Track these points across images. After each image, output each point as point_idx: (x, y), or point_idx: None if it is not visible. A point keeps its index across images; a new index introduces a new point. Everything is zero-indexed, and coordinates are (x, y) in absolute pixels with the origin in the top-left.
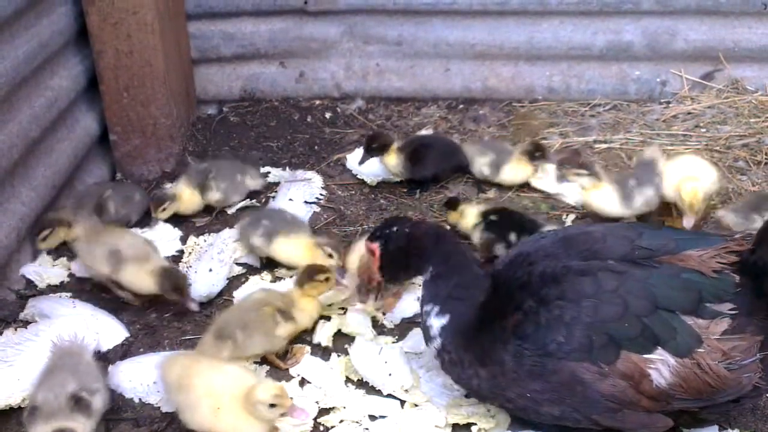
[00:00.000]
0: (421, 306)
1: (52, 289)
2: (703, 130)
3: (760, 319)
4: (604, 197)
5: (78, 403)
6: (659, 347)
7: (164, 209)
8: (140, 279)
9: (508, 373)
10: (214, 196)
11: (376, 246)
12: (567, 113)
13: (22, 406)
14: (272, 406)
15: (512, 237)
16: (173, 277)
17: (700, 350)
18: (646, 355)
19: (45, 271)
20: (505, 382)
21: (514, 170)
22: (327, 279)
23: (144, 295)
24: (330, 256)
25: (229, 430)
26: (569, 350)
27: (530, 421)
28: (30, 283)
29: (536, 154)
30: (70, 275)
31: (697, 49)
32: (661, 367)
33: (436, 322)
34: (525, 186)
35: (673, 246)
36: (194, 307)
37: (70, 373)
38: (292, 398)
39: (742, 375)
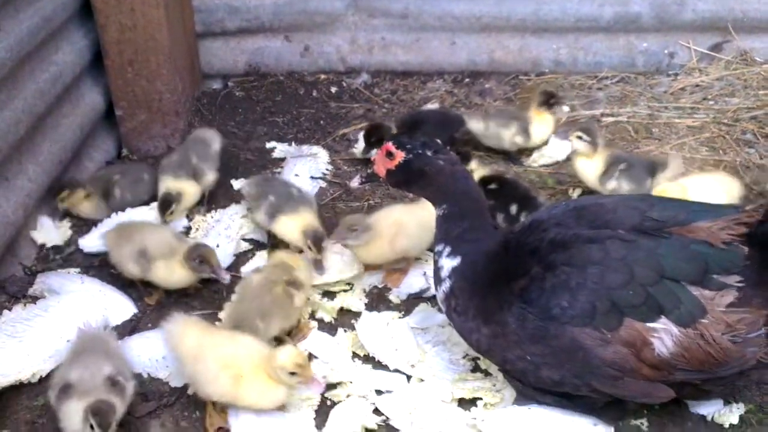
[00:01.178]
0: (434, 244)
1: (56, 250)
2: (711, 102)
3: (767, 292)
4: (587, 167)
5: (114, 386)
6: (663, 316)
7: (172, 212)
8: (171, 273)
9: (509, 335)
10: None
11: (400, 154)
12: (574, 86)
13: (32, 381)
14: (292, 374)
15: (513, 209)
16: (200, 252)
17: (704, 321)
18: (649, 324)
19: (49, 233)
20: (506, 344)
21: (542, 126)
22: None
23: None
24: (309, 248)
25: (251, 398)
26: (572, 315)
27: (526, 383)
28: (39, 258)
29: (551, 101)
30: (77, 249)
31: (705, 20)
32: (663, 336)
33: (448, 263)
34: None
35: (684, 217)
36: (225, 277)
37: (103, 356)
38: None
39: (746, 348)
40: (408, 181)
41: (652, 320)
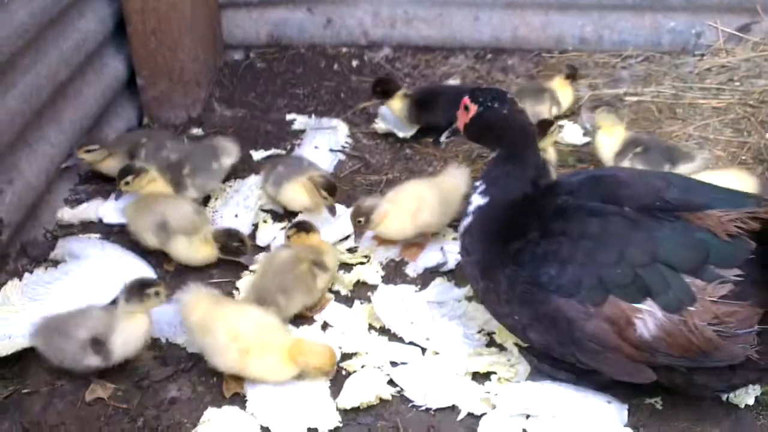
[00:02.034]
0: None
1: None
2: (737, 83)
3: (766, 291)
4: (605, 143)
5: None
6: (649, 299)
7: (128, 182)
8: (194, 250)
9: (501, 294)
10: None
11: (474, 107)
12: (598, 64)
13: None
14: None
15: None
16: (239, 237)
17: (691, 309)
18: (633, 304)
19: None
20: (497, 300)
21: (566, 96)
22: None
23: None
24: (324, 196)
25: (257, 371)
26: (559, 285)
27: (528, 343)
28: (60, 223)
29: (574, 75)
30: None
31: (734, 0)
32: (647, 318)
33: (477, 200)
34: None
35: (701, 202)
36: (253, 262)
37: None
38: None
39: (734, 344)
40: (481, 134)
41: (638, 301)
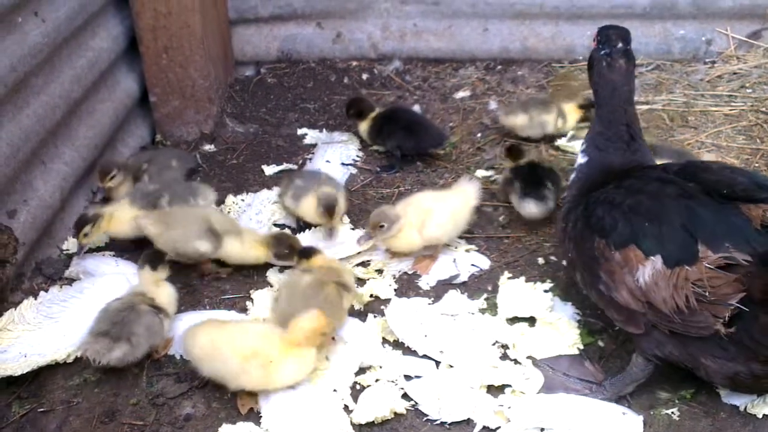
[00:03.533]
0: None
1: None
2: (749, 90)
3: (764, 282)
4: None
5: None
6: (659, 255)
7: (86, 234)
8: (244, 250)
9: (567, 232)
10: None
11: (594, 42)
12: None
13: (68, 361)
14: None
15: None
16: (290, 242)
17: (686, 268)
18: (646, 255)
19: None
20: (563, 238)
21: (573, 114)
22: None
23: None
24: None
25: (287, 377)
26: (601, 226)
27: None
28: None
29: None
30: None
31: (744, 6)
32: (648, 266)
33: (580, 158)
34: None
35: (763, 197)
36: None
37: None
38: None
39: (707, 311)
40: (590, 73)
41: (651, 254)
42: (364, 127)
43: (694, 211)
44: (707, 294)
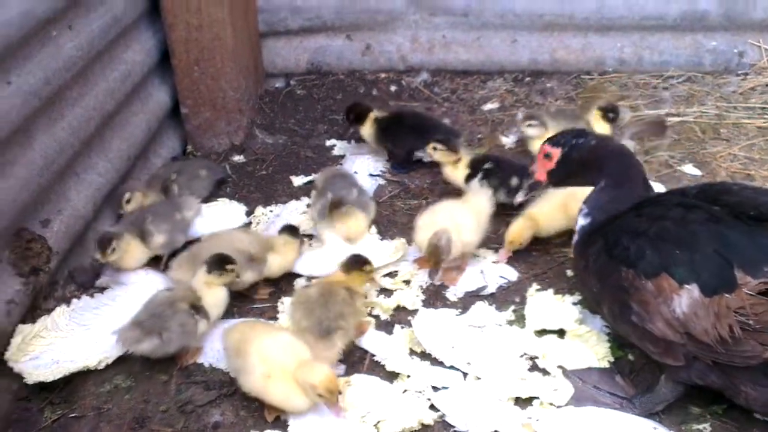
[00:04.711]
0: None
1: None
2: None
3: None
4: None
5: None
6: (695, 282)
7: (113, 249)
8: (286, 259)
9: (589, 267)
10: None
11: (557, 151)
12: (638, 85)
13: (99, 367)
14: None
15: (514, 182)
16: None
17: (726, 296)
18: (680, 284)
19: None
20: (585, 274)
21: (600, 128)
22: (371, 271)
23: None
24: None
25: (277, 397)
26: (626, 256)
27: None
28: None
29: (611, 115)
30: None
31: None
32: (684, 296)
33: (581, 221)
34: None
35: None
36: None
37: None
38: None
39: (754, 339)
40: (570, 174)
41: (687, 283)
42: (367, 130)
43: (725, 236)
44: (751, 322)
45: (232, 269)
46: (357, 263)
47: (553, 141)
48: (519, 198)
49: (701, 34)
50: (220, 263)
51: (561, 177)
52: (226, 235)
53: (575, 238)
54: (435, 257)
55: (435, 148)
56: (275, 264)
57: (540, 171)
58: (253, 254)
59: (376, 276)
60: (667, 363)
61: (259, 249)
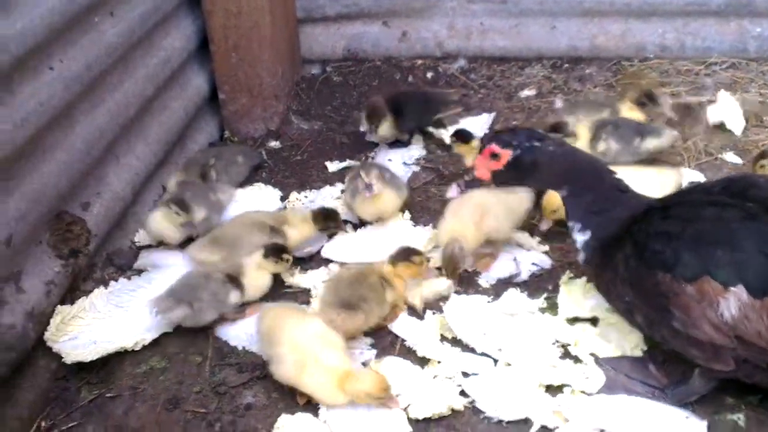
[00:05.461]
0: (566, 220)
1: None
2: None
3: None
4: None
5: None
6: (741, 284)
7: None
8: (302, 232)
9: (617, 276)
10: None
11: (507, 153)
12: (680, 72)
13: (135, 349)
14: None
15: None
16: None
17: None
18: (725, 286)
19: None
20: (614, 287)
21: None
22: (421, 262)
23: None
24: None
25: (310, 387)
26: (662, 260)
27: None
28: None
29: (645, 102)
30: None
31: None
32: (731, 299)
33: (580, 237)
34: None
35: None
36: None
37: None
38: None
39: None
40: (519, 177)
41: (732, 285)
42: (387, 124)
43: (764, 233)
44: None
45: (287, 259)
46: (404, 254)
47: (503, 142)
48: (451, 193)
49: (747, 19)
50: (277, 252)
51: (507, 179)
52: (244, 215)
53: (582, 256)
54: (452, 266)
55: (453, 142)
56: (293, 236)
57: (481, 169)
58: (272, 225)
59: (425, 267)
60: (716, 368)
61: (275, 222)
